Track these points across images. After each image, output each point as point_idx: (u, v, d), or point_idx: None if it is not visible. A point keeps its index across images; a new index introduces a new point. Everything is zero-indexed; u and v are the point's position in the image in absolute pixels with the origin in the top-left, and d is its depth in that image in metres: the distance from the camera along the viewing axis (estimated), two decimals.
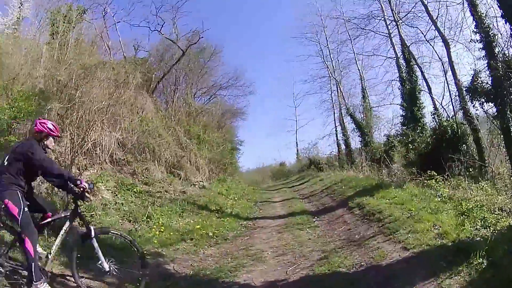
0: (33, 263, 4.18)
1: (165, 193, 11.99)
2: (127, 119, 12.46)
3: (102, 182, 9.56)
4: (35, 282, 4.17)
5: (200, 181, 16.37)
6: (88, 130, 10.04)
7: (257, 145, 66.76)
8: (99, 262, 4.66)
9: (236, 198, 15.54)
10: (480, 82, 13.56)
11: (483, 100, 13.51)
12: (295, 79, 77.11)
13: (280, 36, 72.11)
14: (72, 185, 4.52)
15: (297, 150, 42.51)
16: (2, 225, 4.56)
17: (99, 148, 10.66)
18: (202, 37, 22.69)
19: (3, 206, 4.28)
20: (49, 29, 14.98)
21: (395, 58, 24.99)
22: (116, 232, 5.04)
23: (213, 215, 11.27)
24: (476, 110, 14.61)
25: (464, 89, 15.14)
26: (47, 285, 4.34)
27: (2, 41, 11.98)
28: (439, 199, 8.55)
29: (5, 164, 4.37)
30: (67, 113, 9.91)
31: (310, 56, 35.45)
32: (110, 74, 12.35)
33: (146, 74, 20.01)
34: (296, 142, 43.74)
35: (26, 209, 4.28)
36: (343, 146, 33.56)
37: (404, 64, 23.41)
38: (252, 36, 69.38)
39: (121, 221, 8.54)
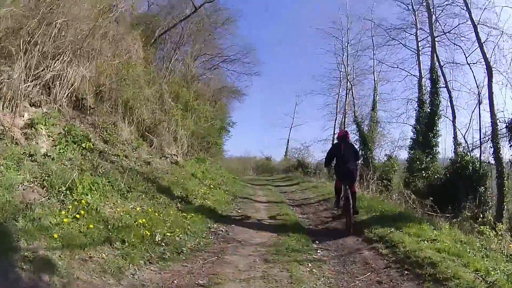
0: None
1: (123, 158, 8.87)
2: (104, 56, 9.70)
3: (45, 124, 6.92)
4: None
5: (174, 154, 13.04)
6: (52, 58, 7.64)
7: (246, 133, 62.38)
8: None
9: (212, 186, 12.13)
10: None
11: None
12: (304, 74, 72.58)
13: (301, 28, 66.15)
14: None
15: (287, 148, 39.29)
16: None
17: (59, 83, 7.94)
18: None
19: None
20: None
21: (418, 77, 22.86)
22: None
23: (174, 204, 7.92)
24: None
25: (506, 125, 12.08)
26: None
27: None
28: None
29: None
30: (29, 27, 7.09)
31: (328, 52, 31.65)
32: None
33: (149, 26, 16.57)
34: (288, 140, 40.58)
35: None
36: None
37: (429, 84, 20.98)
38: (272, 20, 63.11)
39: (28, 184, 5.03)
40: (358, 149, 9.99)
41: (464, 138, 17.96)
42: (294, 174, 26.39)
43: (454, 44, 20.77)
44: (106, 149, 8.44)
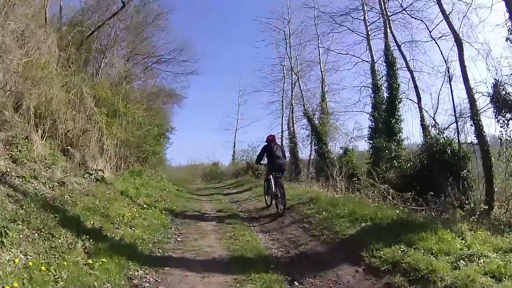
0: None
1: (29, 180, 6.71)
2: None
3: None
4: None
5: (100, 170, 10.26)
6: None
7: (191, 140, 57.01)
8: None
9: (145, 205, 9.30)
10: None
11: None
12: (246, 70, 65.79)
13: (242, 21, 60.06)
14: None
15: (234, 152, 36.19)
16: None
17: None
18: None
19: None
20: None
21: (370, 62, 21.18)
22: None
23: (81, 244, 5.04)
24: (502, 127, 10.25)
25: (490, 97, 10.59)
26: None
27: None
28: None
29: None
30: None
31: (271, 44, 29.09)
32: None
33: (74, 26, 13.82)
34: (234, 143, 37.32)
35: None
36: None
37: (384, 68, 19.05)
38: (212, 11, 55.51)
39: None
40: (285, 149, 11.20)
41: (434, 120, 16.15)
42: (244, 178, 23.42)
43: (416, 19, 18.80)
44: (9, 170, 6.33)
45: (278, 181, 9.35)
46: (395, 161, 14.08)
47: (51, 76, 9.23)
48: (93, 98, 11.84)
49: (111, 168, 11.70)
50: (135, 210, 8.28)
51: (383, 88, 19.30)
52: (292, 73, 27.91)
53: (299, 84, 26.95)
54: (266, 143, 10.04)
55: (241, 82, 58.49)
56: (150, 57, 21.93)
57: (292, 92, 28.40)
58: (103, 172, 10.31)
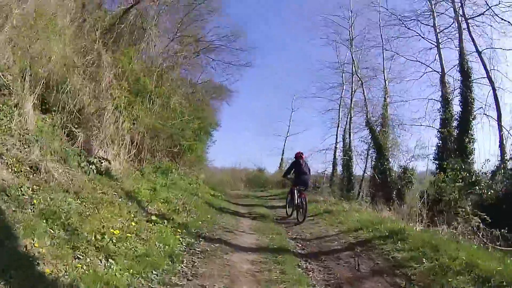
0: None
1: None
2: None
3: None
4: None
5: (105, 159, 7.84)
6: None
7: (237, 142, 52.77)
8: None
9: (157, 215, 6.56)
10: None
11: None
12: (299, 73, 55.85)
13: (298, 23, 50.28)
14: None
15: (282, 160, 33.17)
16: None
17: None
18: None
19: None
20: None
21: (440, 72, 18.52)
22: None
23: None
24: None
25: None
26: None
27: None
28: None
29: None
30: None
31: (330, 44, 25.66)
32: None
33: None
34: (283, 150, 34.19)
35: None
36: (339, 168, 25.25)
37: (458, 78, 16.85)
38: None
39: None
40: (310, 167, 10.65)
41: None
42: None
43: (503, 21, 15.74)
44: None
45: (302, 194, 9.70)
46: (476, 188, 11.53)
47: (58, 29, 7.15)
48: (115, 68, 9.25)
49: (126, 159, 8.99)
50: (135, 224, 5.43)
51: (453, 101, 17.02)
52: (353, 79, 24.85)
53: (363, 90, 23.45)
54: (295, 159, 10.64)
55: (296, 85, 52.20)
56: (199, 41, 18.92)
57: (351, 100, 25.27)
58: (109, 163, 7.69)
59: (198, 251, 5.53)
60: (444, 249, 5.13)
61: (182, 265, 4.71)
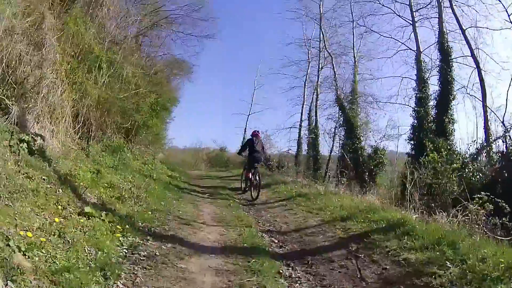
0: None
1: None
2: None
3: None
4: None
5: (39, 135, 6.43)
6: None
7: (199, 121, 50.58)
8: None
9: (95, 207, 5.18)
10: None
11: None
12: (264, 49, 53.28)
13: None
14: None
15: (244, 139, 31.54)
16: None
17: None
18: None
19: None
20: None
21: (416, 51, 18.20)
22: None
23: None
24: None
25: None
26: None
27: None
28: None
29: None
30: None
31: (301, 17, 24.70)
32: None
33: None
34: (245, 129, 32.30)
35: None
36: (304, 147, 24.52)
37: (438, 56, 16.29)
38: None
39: None
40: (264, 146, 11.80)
41: (503, 123, 12.77)
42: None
43: None
44: None
45: (256, 170, 10.23)
46: (464, 171, 10.44)
47: None
48: (58, 31, 7.66)
49: (67, 136, 7.49)
50: (59, 220, 4.00)
51: (430, 81, 16.81)
52: (320, 55, 24.20)
53: (333, 66, 22.63)
54: (250, 137, 11.24)
55: (259, 62, 49.80)
56: (158, 11, 17.06)
57: (318, 76, 24.58)
58: (43, 140, 6.17)
59: (144, 256, 4.08)
60: (465, 246, 4.01)
61: (119, 283, 3.27)
